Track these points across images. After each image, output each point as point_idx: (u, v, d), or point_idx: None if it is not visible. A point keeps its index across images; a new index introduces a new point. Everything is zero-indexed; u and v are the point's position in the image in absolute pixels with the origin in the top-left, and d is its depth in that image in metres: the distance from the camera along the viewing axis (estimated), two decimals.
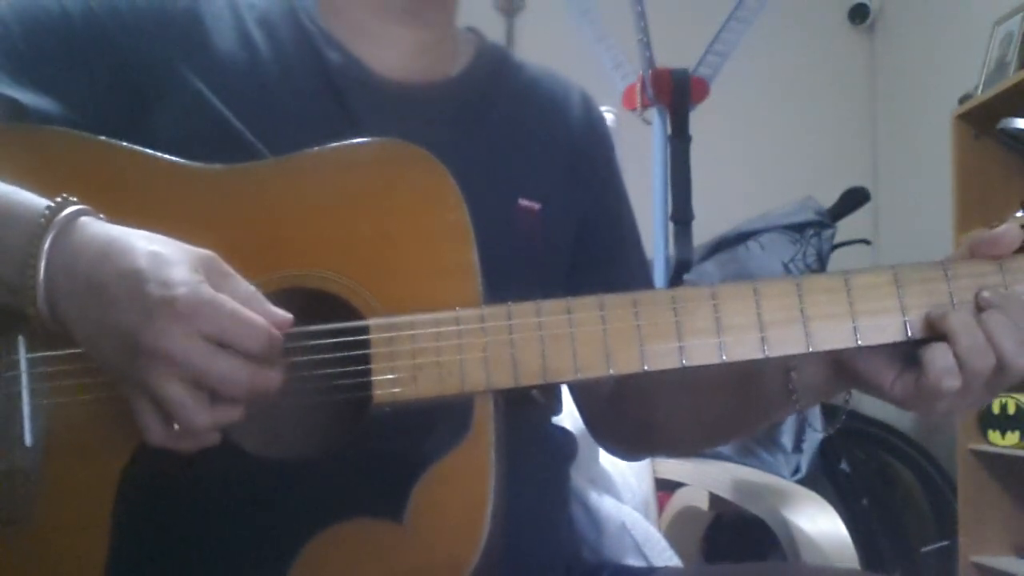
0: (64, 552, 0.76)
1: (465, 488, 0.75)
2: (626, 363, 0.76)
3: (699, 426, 0.98)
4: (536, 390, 0.89)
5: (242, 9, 0.92)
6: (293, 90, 0.90)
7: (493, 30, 1.03)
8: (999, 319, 0.75)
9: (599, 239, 1.03)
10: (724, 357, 0.77)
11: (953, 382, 0.74)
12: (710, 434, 1.02)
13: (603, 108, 1.12)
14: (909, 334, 0.77)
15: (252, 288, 0.73)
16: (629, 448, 1.09)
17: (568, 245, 0.99)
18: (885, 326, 0.77)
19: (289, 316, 0.73)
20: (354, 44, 0.93)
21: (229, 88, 0.87)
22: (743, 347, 0.77)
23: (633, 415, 1.01)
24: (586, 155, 1.03)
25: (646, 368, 0.76)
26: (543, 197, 0.94)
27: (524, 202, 0.93)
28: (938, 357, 0.75)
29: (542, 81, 1.05)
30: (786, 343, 0.77)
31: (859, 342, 0.77)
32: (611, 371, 0.76)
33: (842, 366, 0.81)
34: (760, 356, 0.77)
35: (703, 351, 0.77)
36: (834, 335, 0.77)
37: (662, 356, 0.77)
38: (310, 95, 0.90)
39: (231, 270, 0.73)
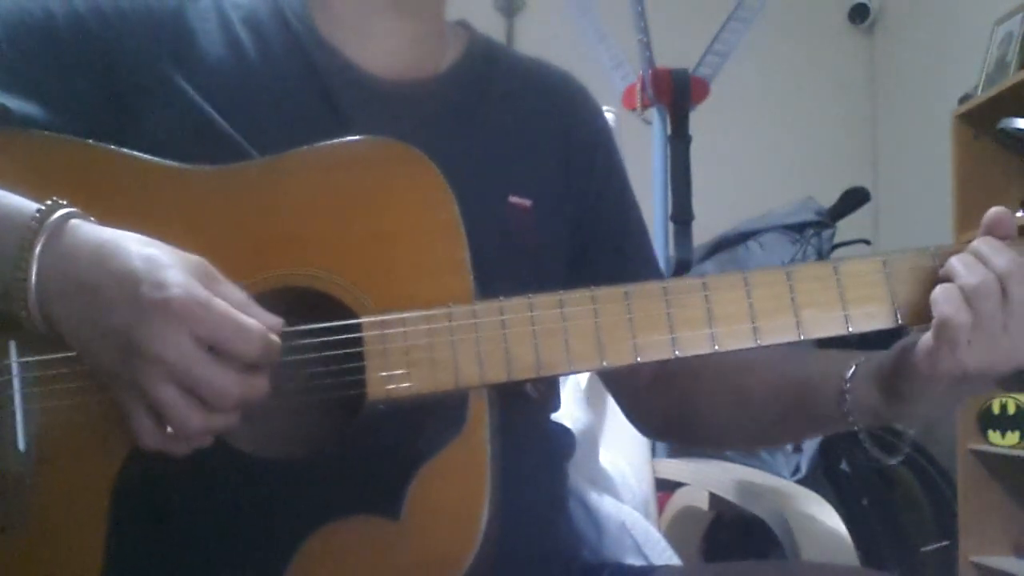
0: (59, 557, 0.76)
1: (461, 483, 0.75)
2: (619, 355, 0.77)
3: (746, 430, 0.98)
4: (531, 385, 0.88)
5: (228, 9, 0.92)
6: (281, 90, 0.89)
7: (493, 30, 1.03)
8: (989, 242, 0.76)
9: (605, 229, 1.02)
10: (716, 347, 0.77)
11: (962, 315, 0.73)
12: (755, 439, 1.03)
13: (603, 108, 1.12)
14: (899, 320, 0.78)
15: (242, 294, 0.72)
16: (663, 435, 1.11)
17: (562, 241, 0.98)
18: (875, 313, 0.78)
19: (279, 320, 0.73)
20: (342, 41, 0.93)
21: (216, 89, 0.86)
22: (735, 337, 0.77)
23: (674, 408, 1.01)
24: (583, 148, 1.02)
25: (639, 359, 0.77)
26: (534, 194, 0.94)
27: (515, 199, 0.93)
28: (941, 291, 0.75)
29: (536, 74, 1.04)
30: (777, 331, 0.77)
31: (850, 329, 0.77)
32: (604, 363, 0.76)
33: (891, 379, 0.81)
34: (752, 345, 0.77)
35: (695, 341, 0.77)
36: (825, 323, 0.77)
37: (654, 347, 0.77)
38: (298, 94, 0.90)
39: (222, 276, 0.72)
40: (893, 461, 0.86)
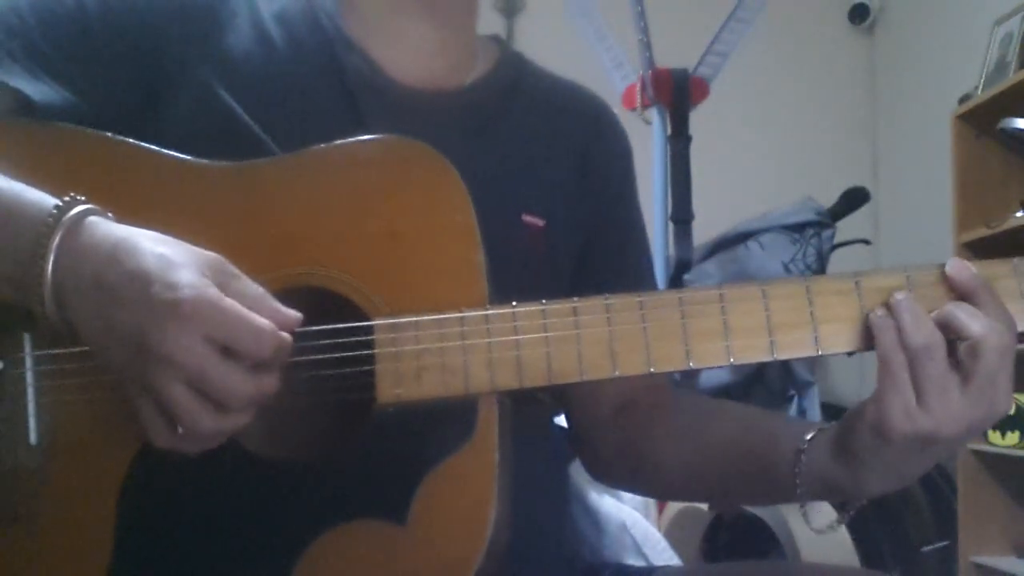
0: (68, 550, 0.76)
1: (468, 490, 0.75)
2: (632, 365, 0.76)
3: (698, 479, 0.95)
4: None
5: (260, 3, 0.92)
6: (306, 90, 0.89)
7: (493, 30, 1.02)
8: (965, 308, 0.74)
9: (605, 256, 1.01)
10: (732, 359, 0.76)
11: (897, 354, 0.73)
12: (706, 491, 1.03)
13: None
14: None
15: (260, 289, 0.72)
16: (610, 473, 1.04)
17: (571, 262, 0.97)
18: None
19: (298, 316, 0.72)
20: (371, 45, 0.93)
21: (241, 84, 0.86)
22: (751, 350, 0.76)
23: (630, 445, 0.98)
24: (599, 170, 1.01)
25: (652, 370, 0.76)
26: (548, 213, 0.93)
27: (528, 218, 0.92)
28: (876, 318, 0.74)
29: (562, 94, 1.03)
30: (795, 346, 0.76)
31: (871, 344, 0.75)
32: (617, 372, 0.76)
33: (845, 437, 0.79)
34: (768, 359, 0.76)
35: (710, 353, 0.76)
36: (844, 338, 0.76)
37: (668, 358, 0.76)
38: (323, 96, 0.90)
39: (238, 271, 0.72)
40: (845, 518, 0.84)
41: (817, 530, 0.85)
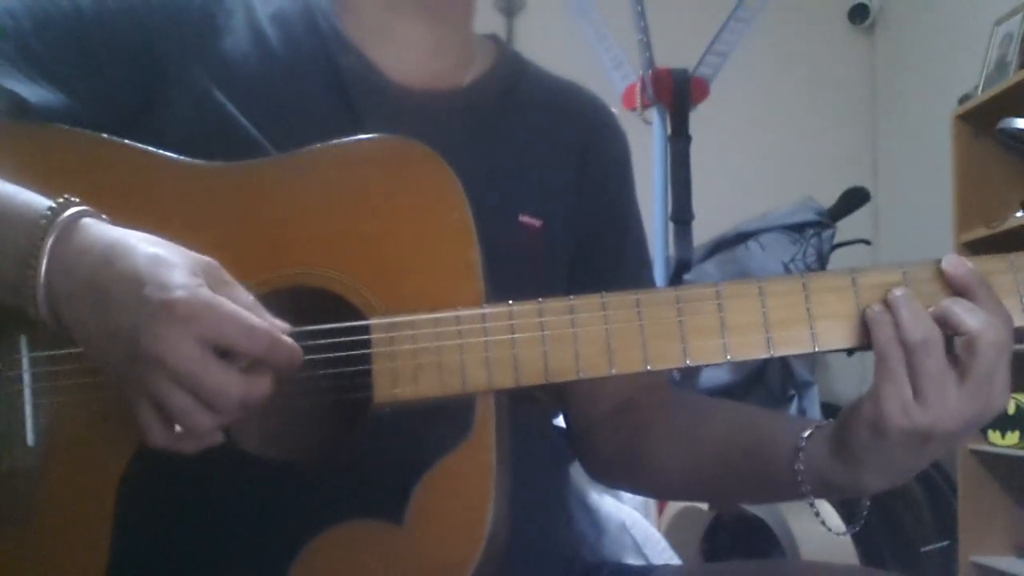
0: (65, 552, 0.76)
1: (466, 489, 0.75)
2: (628, 363, 0.76)
3: (695, 479, 0.95)
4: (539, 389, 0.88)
5: (256, 4, 0.92)
6: (302, 90, 0.89)
7: (493, 30, 1.02)
8: (962, 304, 0.74)
9: (602, 256, 1.01)
10: (728, 356, 0.76)
11: (894, 349, 0.73)
12: (703, 491, 1.02)
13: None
14: None
15: (252, 298, 0.72)
16: (607, 473, 1.04)
17: (569, 263, 0.97)
18: None
19: (285, 326, 0.72)
20: (368, 45, 0.92)
21: (238, 86, 0.86)
22: (748, 347, 0.76)
23: (626, 445, 0.98)
24: (597, 171, 1.01)
25: (649, 368, 0.76)
26: (545, 213, 0.93)
27: (525, 218, 0.92)
28: (874, 314, 0.74)
29: (560, 94, 1.03)
30: (792, 343, 0.76)
31: (866, 341, 0.75)
32: (614, 370, 0.76)
33: (842, 435, 0.78)
34: (765, 355, 0.76)
35: (707, 350, 0.76)
36: (841, 334, 0.76)
37: (665, 356, 0.76)
38: (319, 97, 0.89)
39: (231, 279, 0.72)
40: (852, 530, 0.83)
41: (837, 532, 0.85)
